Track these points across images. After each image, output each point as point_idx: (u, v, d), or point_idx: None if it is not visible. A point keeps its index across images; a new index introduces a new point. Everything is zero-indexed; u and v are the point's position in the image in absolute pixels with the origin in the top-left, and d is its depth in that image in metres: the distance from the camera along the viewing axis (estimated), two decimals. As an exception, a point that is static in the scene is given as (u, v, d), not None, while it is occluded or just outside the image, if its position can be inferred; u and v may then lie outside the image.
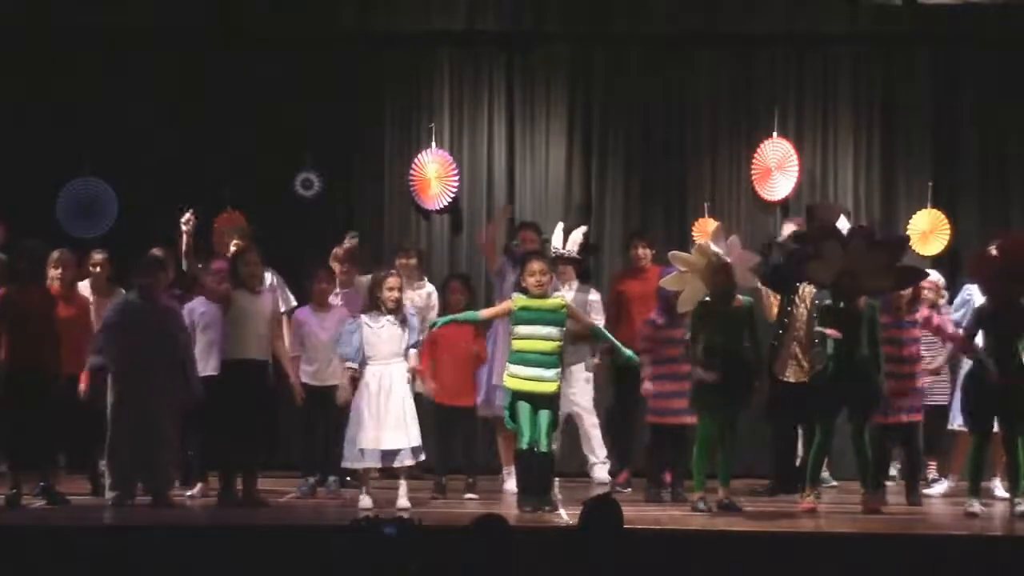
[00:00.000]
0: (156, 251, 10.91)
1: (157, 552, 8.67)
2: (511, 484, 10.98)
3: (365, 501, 10.05)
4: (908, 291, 10.70)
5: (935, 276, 11.46)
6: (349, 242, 11.47)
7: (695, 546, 8.82)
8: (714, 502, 10.11)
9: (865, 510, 10.09)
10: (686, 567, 8.50)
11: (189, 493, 10.65)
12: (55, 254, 10.78)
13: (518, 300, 10.11)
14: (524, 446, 10.06)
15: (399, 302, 10.19)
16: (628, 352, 10.39)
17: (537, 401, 10.00)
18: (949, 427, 11.15)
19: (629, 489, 11.25)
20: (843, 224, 10.89)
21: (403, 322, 10.18)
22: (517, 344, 10.05)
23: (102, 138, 12.82)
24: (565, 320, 10.09)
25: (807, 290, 10.91)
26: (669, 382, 10.62)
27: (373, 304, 10.22)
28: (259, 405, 10.27)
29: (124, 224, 12.77)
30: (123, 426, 10.15)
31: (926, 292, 11.18)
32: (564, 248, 11.34)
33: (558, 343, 10.05)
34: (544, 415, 10.01)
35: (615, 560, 6.68)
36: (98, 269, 11.18)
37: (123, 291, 11.03)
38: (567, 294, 10.99)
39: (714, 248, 10.24)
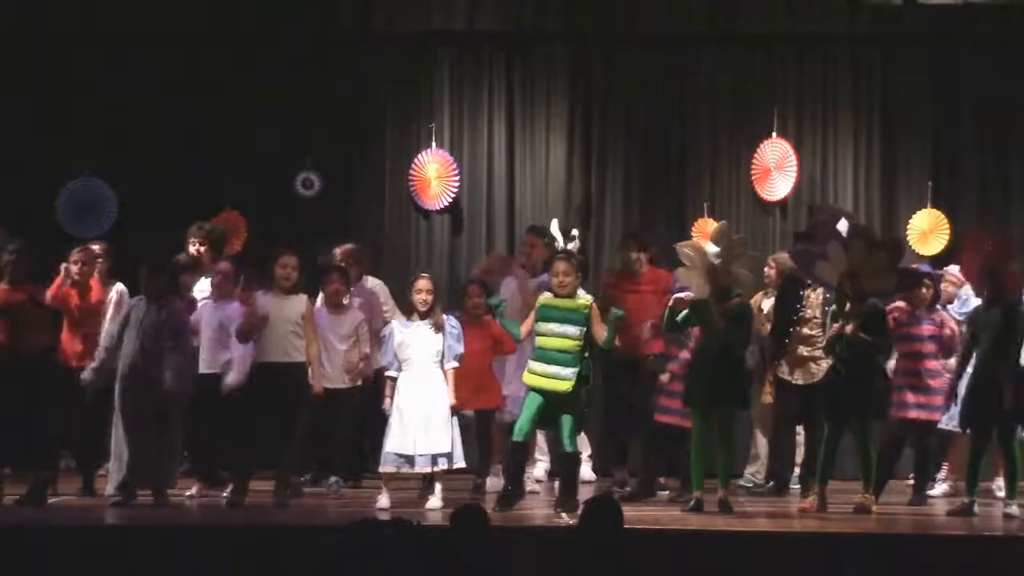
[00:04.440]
0: (183, 256, 11.05)
1: (157, 552, 8.67)
2: (491, 483, 11.00)
3: (383, 501, 10.06)
4: (929, 291, 10.74)
5: (955, 269, 11.49)
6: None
7: (695, 546, 8.82)
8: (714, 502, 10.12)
9: (855, 510, 10.10)
10: (686, 567, 8.50)
11: (188, 493, 10.65)
12: (76, 254, 10.84)
13: (543, 299, 10.15)
14: (516, 439, 10.04)
15: (429, 305, 10.20)
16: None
17: (554, 401, 10.00)
18: (940, 426, 11.15)
19: (628, 488, 11.24)
20: (844, 226, 10.93)
21: (438, 328, 10.20)
22: (539, 341, 10.08)
23: (102, 138, 12.83)
24: (585, 320, 10.07)
25: (813, 295, 10.91)
26: (680, 382, 10.62)
27: (406, 308, 10.28)
28: (282, 407, 10.26)
29: (124, 224, 12.78)
30: (124, 426, 10.16)
31: (948, 287, 11.34)
32: (567, 247, 11.37)
33: (577, 342, 10.02)
34: (566, 417, 9.99)
35: (615, 560, 6.68)
36: (98, 261, 11.22)
37: (120, 284, 11.09)
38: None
39: (710, 248, 10.23)
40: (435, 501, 10.06)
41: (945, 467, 11.38)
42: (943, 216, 12.89)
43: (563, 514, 9.72)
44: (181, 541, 8.83)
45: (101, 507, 10.15)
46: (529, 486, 10.67)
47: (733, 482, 10.51)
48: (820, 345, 10.54)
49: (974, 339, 10.20)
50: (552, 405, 9.99)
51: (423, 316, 10.19)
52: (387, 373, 10.23)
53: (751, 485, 11.43)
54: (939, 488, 11.26)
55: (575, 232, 11.71)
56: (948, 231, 12.80)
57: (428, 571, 6.52)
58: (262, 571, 8.54)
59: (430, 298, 10.19)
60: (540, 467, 11.63)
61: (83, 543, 8.73)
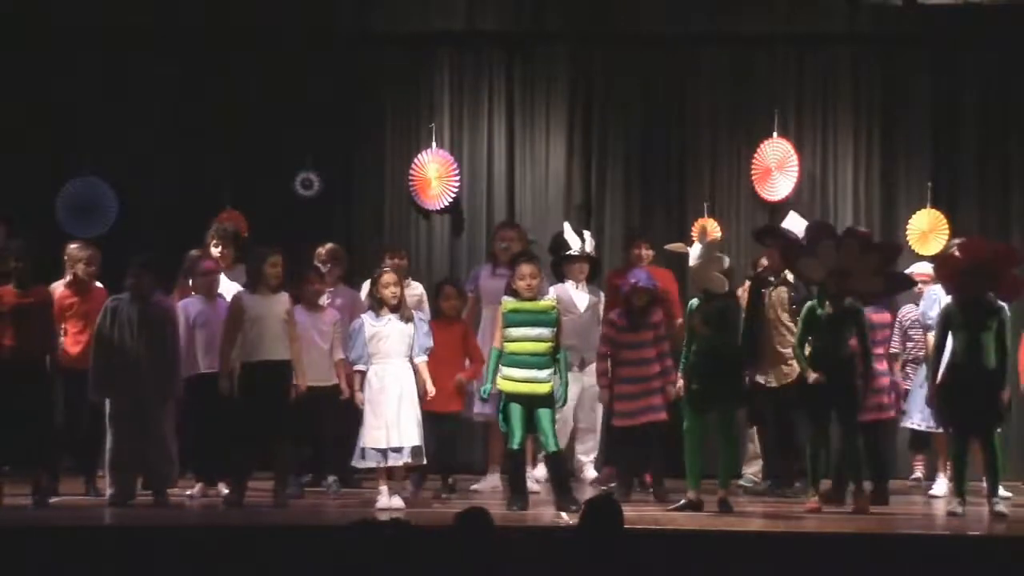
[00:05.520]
0: (194, 252, 11.08)
1: (157, 552, 8.67)
2: (483, 484, 11.11)
3: (383, 500, 10.07)
4: None
5: (928, 268, 11.51)
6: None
7: (695, 546, 8.83)
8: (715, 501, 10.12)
9: (855, 510, 10.11)
10: (686, 567, 8.50)
11: (188, 493, 10.66)
12: (82, 252, 10.83)
13: (506, 304, 10.15)
14: (515, 447, 10.08)
15: (399, 298, 10.22)
16: (560, 392, 10.23)
17: (533, 402, 10.01)
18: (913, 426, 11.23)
19: (613, 484, 11.22)
20: (795, 222, 11.05)
21: (408, 320, 10.20)
22: (509, 347, 10.06)
23: (102, 138, 12.83)
24: (556, 320, 10.11)
25: (775, 294, 10.95)
26: (630, 384, 10.66)
27: (374, 303, 10.27)
28: (274, 406, 10.27)
29: (123, 224, 12.78)
30: (120, 426, 10.19)
31: (919, 285, 11.38)
32: (584, 247, 11.42)
33: (550, 344, 10.07)
34: (545, 416, 10.02)
35: (615, 560, 6.68)
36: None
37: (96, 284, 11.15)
38: (582, 294, 11.14)
39: (692, 251, 10.26)
40: (396, 500, 10.04)
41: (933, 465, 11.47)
42: (943, 216, 12.89)
43: (563, 514, 9.72)
44: (181, 541, 8.83)
45: (101, 507, 10.18)
46: (529, 485, 10.66)
47: (733, 482, 10.52)
48: (792, 343, 10.56)
49: (945, 338, 10.15)
50: (529, 408, 10.01)
51: (393, 310, 10.20)
52: (356, 367, 10.24)
53: (750, 485, 11.43)
54: (940, 486, 11.25)
55: (588, 233, 11.73)
56: (948, 231, 12.79)
57: (428, 571, 6.53)
58: (262, 571, 8.55)
59: (398, 291, 10.22)
60: (541, 467, 11.63)
61: (83, 543, 8.73)
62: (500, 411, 10.16)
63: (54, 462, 10.61)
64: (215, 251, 11.24)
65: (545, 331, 10.06)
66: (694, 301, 10.26)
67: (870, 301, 10.44)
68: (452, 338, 10.76)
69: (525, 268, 10.16)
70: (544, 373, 10.03)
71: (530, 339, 10.04)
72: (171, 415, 10.34)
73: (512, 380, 10.04)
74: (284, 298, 10.48)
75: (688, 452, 10.19)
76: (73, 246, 10.92)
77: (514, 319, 10.08)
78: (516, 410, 10.02)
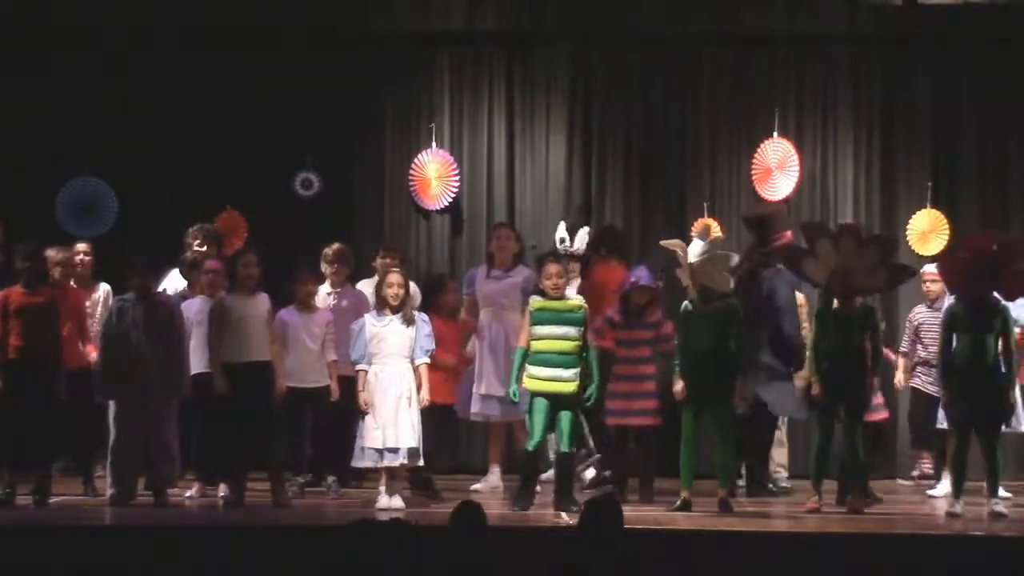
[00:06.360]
0: (188, 255, 11.13)
1: (157, 552, 8.67)
2: (483, 484, 11.16)
3: (383, 500, 10.06)
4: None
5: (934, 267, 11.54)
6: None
7: (695, 546, 8.83)
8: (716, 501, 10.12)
9: (849, 510, 10.12)
10: (686, 567, 8.50)
11: (188, 493, 10.66)
12: (59, 254, 10.79)
13: (535, 302, 10.16)
14: (531, 448, 10.08)
15: (400, 299, 10.20)
16: (591, 391, 10.24)
17: (557, 401, 10.02)
18: (938, 425, 11.21)
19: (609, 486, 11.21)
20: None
21: (409, 322, 10.19)
22: (536, 345, 10.08)
23: (102, 138, 12.83)
24: (583, 320, 10.11)
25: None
26: (627, 382, 10.66)
27: (379, 302, 10.28)
28: (263, 407, 10.26)
29: (124, 224, 12.78)
30: (124, 426, 10.19)
31: (930, 285, 11.42)
32: (573, 246, 11.42)
33: (576, 343, 10.07)
34: (565, 416, 10.02)
35: (615, 560, 6.68)
36: (78, 260, 11.21)
37: (104, 284, 11.24)
38: (572, 291, 11.15)
39: (693, 247, 10.24)
40: (396, 500, 10.05)
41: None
42: (943, 216, 12.89)
43: (563, 514, 9.72)
44: (181, 541, 8.83)
45: (101, 507, 10.17)
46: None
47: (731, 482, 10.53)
48: None
49: (950, 339, 10.12)
50: (554, 407, 10.01)
51: (395, 311, 10.20)
52: (358, 367, 10.22)
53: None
54: (940, 487, 11.25)
55: (583, 231, 11.72)
56: (948, 231, 12.79)
57: (428, 571, 6.52)
58: (262, 571, 8.55)
59: (401, 292, 10.20)
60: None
61: (83, 543, 8.74)
62: (528, 410, 10.16)
63: (51, 462, 10.61)
64: (200, 251, 11.24)
65: (571, 330, 10.06)
66: (687, 303, 10.25)
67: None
68: (454, 335, 10.96)
69: (551, 267, 10.19)
70: (569, 372, 10.03)
71: (556, 337, 10.05)
72: (174, 415, 10.33)
73: (536, 379, 10.05)
74: (264, 299, 10.48)
75: (683, 452, 10.19)
76: (50, 251, 10.83)
77: (540, 317, 10.09)
78: (541, 409, 10.02)
